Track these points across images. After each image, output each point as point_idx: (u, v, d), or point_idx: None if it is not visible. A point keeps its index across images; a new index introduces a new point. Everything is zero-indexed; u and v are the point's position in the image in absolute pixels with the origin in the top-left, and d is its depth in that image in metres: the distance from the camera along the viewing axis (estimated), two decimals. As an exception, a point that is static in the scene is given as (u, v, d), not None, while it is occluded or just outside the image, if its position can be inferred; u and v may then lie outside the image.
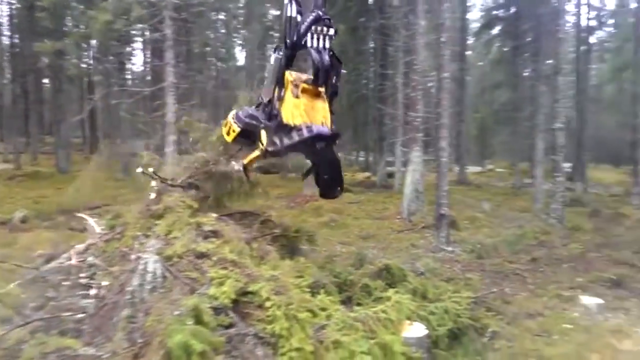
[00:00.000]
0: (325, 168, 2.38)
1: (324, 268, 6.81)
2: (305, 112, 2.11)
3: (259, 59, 35.88)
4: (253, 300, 4.35)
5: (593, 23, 29.44)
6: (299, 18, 1.84)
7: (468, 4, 27.95)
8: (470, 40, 34.60)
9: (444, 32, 10.30)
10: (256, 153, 2.64)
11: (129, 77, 30.66)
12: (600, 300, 8.31)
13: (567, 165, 24.70)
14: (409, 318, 5.93)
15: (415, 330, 5.75)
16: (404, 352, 5.00)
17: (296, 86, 2.17)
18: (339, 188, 2.47)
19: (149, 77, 25.56)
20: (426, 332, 5.80)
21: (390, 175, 21.97)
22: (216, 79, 44.64)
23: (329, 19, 2.10)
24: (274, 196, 17.49)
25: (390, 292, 6.16)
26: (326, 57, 1.98)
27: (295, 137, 2.14)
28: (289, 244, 6.94)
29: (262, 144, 2.40)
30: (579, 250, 11.26)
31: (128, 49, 24.39)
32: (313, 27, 2.21)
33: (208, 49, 26.60)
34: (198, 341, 3.08)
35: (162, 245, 4.40)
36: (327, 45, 2.13)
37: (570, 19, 28.05)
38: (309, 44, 2.06)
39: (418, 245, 11.67)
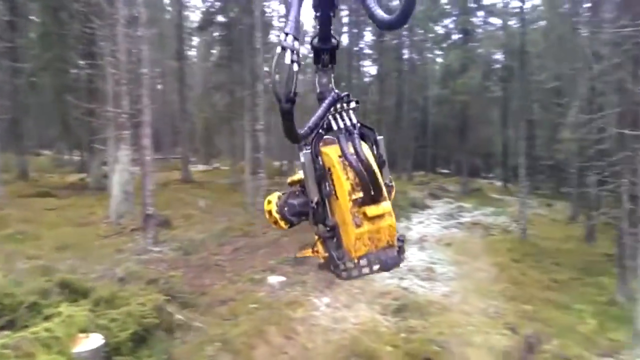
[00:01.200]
0: None
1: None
2: (369, 239, 1.47)
3: None
4: None
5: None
6: (295, 67, 1.19)
7: (186, 3, 28.20)
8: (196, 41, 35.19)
9: (139, 26, 10.02)
10: (309, 253, 1.70)
11: None
12: (283, 278, 9.75)
13: (281, 163, 28.29)
14: (84, 331, 5.54)
15: (91, 341, 5.41)
16: (68, 369, 4.63)
17: (357, 208, 1.38)
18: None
19: None
20: (103, 341, 5.53)
21: (106, 176, 20.18)
22: None
23: (347, 95, 1.47)
24: None
25: (63, 306, 5.62)
26: (357, 142, 1.32)
27: (360, 273, 1.47)
28: None
29: (319, 253, 1.66)
30: (275, 236, 12.92)
31: None
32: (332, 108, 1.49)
33: None
34: None
35: None
36: (354, 119, 1.49)
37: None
38: (334, 127, 1.46)
39: (125, 249, 11.07)
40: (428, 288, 10.51)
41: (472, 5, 25.15)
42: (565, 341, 7.74)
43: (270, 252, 11.63)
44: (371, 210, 1.34)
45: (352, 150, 1.32)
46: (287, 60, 1.16)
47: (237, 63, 25.23)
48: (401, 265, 1.43)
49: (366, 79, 38.31)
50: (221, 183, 24.88)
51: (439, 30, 31.82)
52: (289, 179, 1.70)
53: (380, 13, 1.11)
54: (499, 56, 26.89)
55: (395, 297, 9.57)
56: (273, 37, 32.86)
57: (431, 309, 9.14)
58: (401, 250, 1.47)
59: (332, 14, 1.36)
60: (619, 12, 10.59)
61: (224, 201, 18.85)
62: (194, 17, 32.75)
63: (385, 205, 1.35)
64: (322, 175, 1.43)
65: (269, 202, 1.64)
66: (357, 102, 1.44)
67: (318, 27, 1.38)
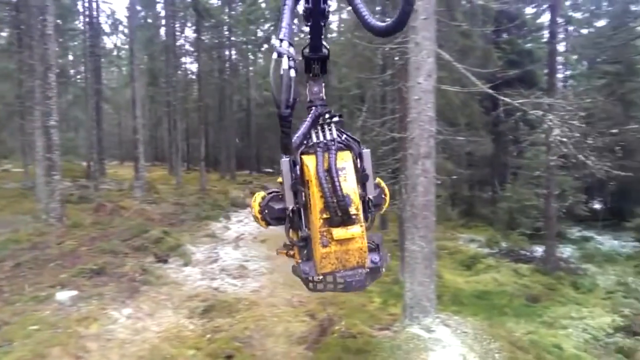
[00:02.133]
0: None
1: None
2: (336, 259, 1.33)
3: None
4: None
5: (107, 28, 31.16)
6: (292, 73, 1.08)
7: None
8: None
9: None
10: (285, 254, 1.61)
11: None
12: (75, 292, 8.74)
13: (89, 164, 25.37)
14: None
15: None
16: None
17: (326, 228, 1.31)
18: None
19: None
20: None
21: None
22: None
23: (329, 111, 1.43)
24: None
25: None
26: (333, 158, 1.33)
27: (325, 288, 1.41)
28: None
29: (295, 258, 1.51)
30: (72, 246, 11.51)
31: None
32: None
33: None
34: None
35: None
36: (335, 134, 1.41)
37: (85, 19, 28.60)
38: (313, 140, 1.40)
39: None
40: (239, 286, 10.69)
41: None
42: (353, 320, 8.74)
43: (64, 264, 10.30)
44: (338, 232, 1.30)
45: (327, 165, 1.29)
46: (285, 66, 1.12)
47: (28, 49, 21.82)
48: (367, 285, 1.43)
49: (188, 76, 37.17)
50: (8, 188, 21.09)
51: (260, 33, 32.64)
52: (279, 179, 1.60)
53: (373, 21, 1.11)
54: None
55: (204, 298, 9.47)
56: (79, 24, 29.35)
57: (239, 306, 9.32)
58: (374, 271, 1.46)
59: (322, 24, 1.32)
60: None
61: (10, 209, 16.03)
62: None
63: (354, 230, 1.32)
64: (298, 184, 1.39)
65: (255, 199, 1.58)
66: (340, 117, 1.44)
67: (309, 36, 1.35)
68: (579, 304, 10.81)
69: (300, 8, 1.32)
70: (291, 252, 1.57)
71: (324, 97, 1.46)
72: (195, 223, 16.27)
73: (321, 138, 1.39)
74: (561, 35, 26.88)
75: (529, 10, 23.89)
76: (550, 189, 12.95)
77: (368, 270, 1.41)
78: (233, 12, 28.09)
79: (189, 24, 32.50)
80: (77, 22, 30.73)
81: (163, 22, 33.33)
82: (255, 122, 39.09)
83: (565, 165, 12.57)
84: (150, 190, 19.96)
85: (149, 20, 34.89)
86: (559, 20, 21.10)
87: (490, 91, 8.53)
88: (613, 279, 13.16)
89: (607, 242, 18.58)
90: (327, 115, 1.42)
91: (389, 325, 8.72)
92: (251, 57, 36.93)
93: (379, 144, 14.64)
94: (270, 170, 39.82)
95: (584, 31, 27.95)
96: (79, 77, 32.07)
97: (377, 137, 13.63)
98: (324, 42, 1.39)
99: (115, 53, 40.01)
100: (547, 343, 8.59)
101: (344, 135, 1.42)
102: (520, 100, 8.14)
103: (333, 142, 1.36)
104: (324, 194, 1.27)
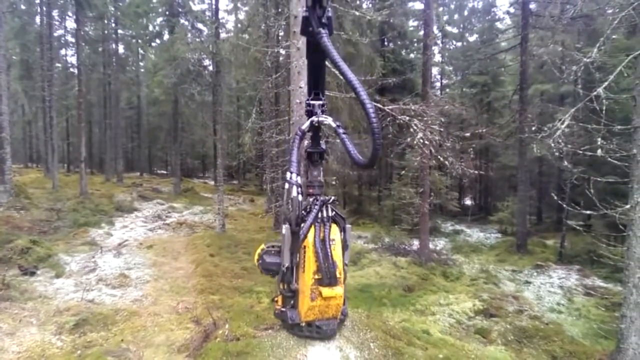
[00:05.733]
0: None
1: None
2: (318, 311, 1.66)
3: None
4: None
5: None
6: (300, 198, 1.50)
7: None
8: None
9: None
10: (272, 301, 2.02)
11: None
12: None
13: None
14: None
15: None
16: None
17: (316, 286, 1.60)
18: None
19: None
20: None
21: None
22: None
23: (329, 199, 1.70)
24: None
25: None
26: (327, 232, 1.62)
27: (303, 333, 1.78)
28: None
29: (278, 304, 1.90)
30: None
31: None
32: None
33: None
34: None
35: None
36: (330, 212, 1.68)
37: None
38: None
39: None
40: (118, 296, 10.10)
41: (180, 9, 25.41)
42: (238, 322, 8.73)
43: None
44: (326, 291, 1.58)
45: (322, 236, 1.57)
46: (294, 194, 1.45)
47: None
48: (336, 332, 1.84)
49: (69, 70, 34.00)
50: None
51: (150, 28, 30.97)
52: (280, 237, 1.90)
53: (356, 154, 1.37)
54: (207, 62, 28.10)
55: (76, 312, 8.80)
56: None
57: (117, 318, 8.82)
58: (341, 322, 1.78)
59: (320, 134, 1.64)
60: (285, 36, 12.62)
61: None
62: None
63: (338, 290, 1.59)
64: (297, 248, 1.65)
65: (259, 250, 1.89)
66: (335, 200, 1.72)
67: (310, 140, 1.67)
68: (447, 292, 11.99)
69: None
70: (276, 300, 1.93)
71: (322, 180, 1.75)
72: (72, 230, 14.98)
73: (318, 215, 1.66)
74: (439, 47, 29.52)
75: (412, 23, 25.88)
76: (424, 188, 14.17)
77: (339, 320, 1.76)
78: (120, 4, 26.26)
79: (69, 13, 29.75)
80: None
81: (38, 9, 30.10)
82: (147, 121, 37.03)
83: (440, 166, 13.86)
84: (20, 194, 17.92)
85: (22, 7, 31.27)
86: (436, 33, 23.11)
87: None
88: (477, 267, 14.83)
89: (474, 234, 20.86)
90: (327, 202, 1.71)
91: (274, 324, 8.87)
92: (141, 52, 34.83)
93: (273, 145, 14.83)
94: (164, 172, 37.96)
95: (459, 44, 30.99)
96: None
97: (271, 139, 13.78)
98: (321, 142, 1.72)
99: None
100: (418, 329, 9.40)
101: (334, 212, 1.71)
102: (390, 106, 8.81)
103: (328, 219, 1.65)
104: (318, 260, 1.57)
